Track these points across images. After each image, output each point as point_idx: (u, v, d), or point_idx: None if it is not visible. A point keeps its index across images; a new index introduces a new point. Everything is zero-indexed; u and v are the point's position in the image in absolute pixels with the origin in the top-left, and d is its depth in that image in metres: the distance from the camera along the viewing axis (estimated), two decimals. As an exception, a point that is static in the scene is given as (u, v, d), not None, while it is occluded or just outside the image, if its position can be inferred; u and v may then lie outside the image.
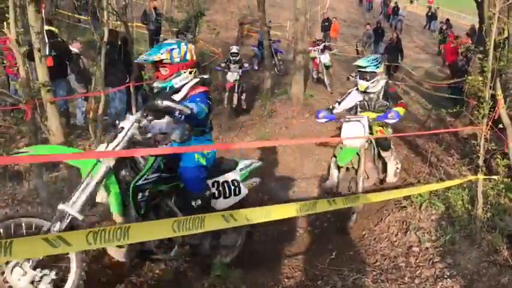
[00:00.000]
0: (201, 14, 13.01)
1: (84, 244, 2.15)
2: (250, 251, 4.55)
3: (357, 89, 5.65)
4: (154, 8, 15.32)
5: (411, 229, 4.58)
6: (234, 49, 11.59)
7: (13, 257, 1.98)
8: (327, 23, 21.79)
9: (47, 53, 5.91)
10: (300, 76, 11.01)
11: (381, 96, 5.57)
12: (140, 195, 3.22)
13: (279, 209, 3.17)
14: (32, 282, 2.69)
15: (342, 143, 5.23)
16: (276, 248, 4.67)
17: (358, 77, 5.60)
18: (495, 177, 4.71)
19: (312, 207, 3.30)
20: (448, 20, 24.93)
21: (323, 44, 14.01)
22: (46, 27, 7.64)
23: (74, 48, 8.59)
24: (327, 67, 13.41)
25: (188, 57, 3.68)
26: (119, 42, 8.19)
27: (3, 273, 2.63)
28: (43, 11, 5.49)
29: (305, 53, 11.73)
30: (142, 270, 3.81)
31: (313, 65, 13.81)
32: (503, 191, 4.73)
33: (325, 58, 13.36)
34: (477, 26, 12.21)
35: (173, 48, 3.60)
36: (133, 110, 7.51)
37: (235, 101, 10.68)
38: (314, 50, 13.61)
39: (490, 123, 4.18)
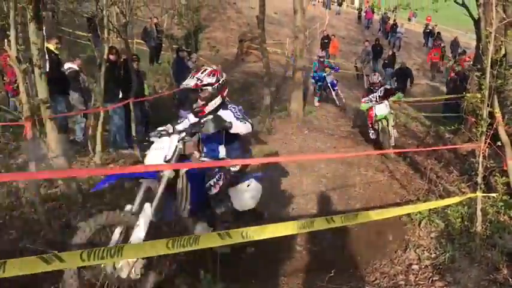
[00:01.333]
0: (199, 29, 13.13)
1: (77, 261, 2.16)
2: (248, 269, 4.51)
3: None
4: (155, 25, 15.50)
5: (411, 246, 4.56)
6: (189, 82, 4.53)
7: (6, 273, 1.99)
8: (326, 40, 22.01)
9: (47, 69, 5.95)
10: (299, 93, 11.09)
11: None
12: None
13: (275, 227, 3.17)
14: None
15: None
16: (274, 266, 4.64)
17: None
18: (494, 194, 4.70)
19: (310, 225, 3.28)
20: (438, 33, 26.59)
21: (382, 88, 9.47)
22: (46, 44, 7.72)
23: (74, 65, 8.63)
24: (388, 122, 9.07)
25: None
26: (120, 59, 8.24)
27: None
28: (44, 28, 5.54)
29: (304, 69, 11.81)
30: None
31: (368, 119, 9.62)
32: (503, 208, 4.72)
33: (383, 109, 9.11)
34: (474, 43, 12.30)
35: None
36: (133, 126, 7.53)
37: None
38: (370, 101, 9.44)
39: (488, 140, 4.19)
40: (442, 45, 22.96)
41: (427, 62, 22.20)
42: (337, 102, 13.23)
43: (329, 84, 13.21)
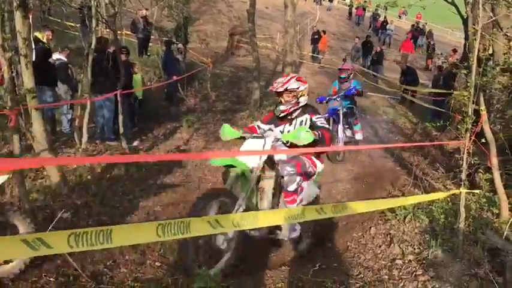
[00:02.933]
0: (188, 21, 13.02)
1: (65, 247, 2.10)
2: (234, 262, 4.52)
3: None
4: (145, 17, 15.36)
5: (395, 242, 4.60)
6: None
7: None
8: (317, 36, 22.02)
9: (33, 59, 5.88)
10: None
11: None
12: None
13: (267, 216, 3.15)
14: None
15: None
16: (259, 259, 4.65)
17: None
18: (477, 191, 4.76)
19: (301, 215, 3.29)
20: (413, 25, 28.17)
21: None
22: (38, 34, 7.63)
23: (62, 56, 8.54)
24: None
25: None
26: (109, 50, 8.17)
27: None
28: (30, 17, 5.47)
29: (293, 65, 11.82)
30: (117, 281, 3.76)
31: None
32: (486, 205, 4.78)
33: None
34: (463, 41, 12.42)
35: None
36: (120, 117, 7.48)
37: None
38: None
39: (473, 137, 4.23)
40: (431, 42, 23.34)
41: (399, 51, 23.27)
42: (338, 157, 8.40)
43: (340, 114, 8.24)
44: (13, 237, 2.07)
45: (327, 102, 8.43)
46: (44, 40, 7.66)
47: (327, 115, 8.12)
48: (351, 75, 8.63)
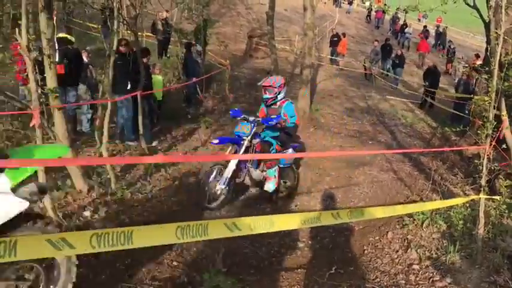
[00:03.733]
0: (207, 23, 13.13)
1: (88, 247, 2.13)
2: (250, 263, 4.55)
3: None
4: (165, 19, 15.53)
5: (412, 246, 4.57)
6: None
7: (18, 257, 1.98)
8: (336, 39, 21.96)
9: (57, 59, 6.00)
10: (307, 90, 11.08)
11: None
12: None
13: (283, 219, 3.16)
14: None
15: None
16: (275, 261, 4.66)
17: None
18: (497, 197, 4.70)
19: (316, 219, 3.29)
20: (425, 26, 28.94)
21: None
22: (62, 35, 7.84)
23: (83, 57, 8.70)
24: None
25: None
26: (131, 51, 8.28)
27: None
28: (55, 18, 5.59)
29: (311, 67, 11.80)
30: (135, 279, 3.82)
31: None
32: (506, 211, 4.71)
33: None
34: (485, 45, 12.23)
35: None
36: (140, 118, 7.56)
37: None
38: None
39: (493, 143, 4.18)
40: (452, 46, 23.20)
41: (415, 52, 24.86)
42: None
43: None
44: (38, 237, 2.11)
45: (247, 121, 6.11)
46: (73, 41, 7.87)
47: (217, 140, 6.12)
48: (280, 95, 6.45)
